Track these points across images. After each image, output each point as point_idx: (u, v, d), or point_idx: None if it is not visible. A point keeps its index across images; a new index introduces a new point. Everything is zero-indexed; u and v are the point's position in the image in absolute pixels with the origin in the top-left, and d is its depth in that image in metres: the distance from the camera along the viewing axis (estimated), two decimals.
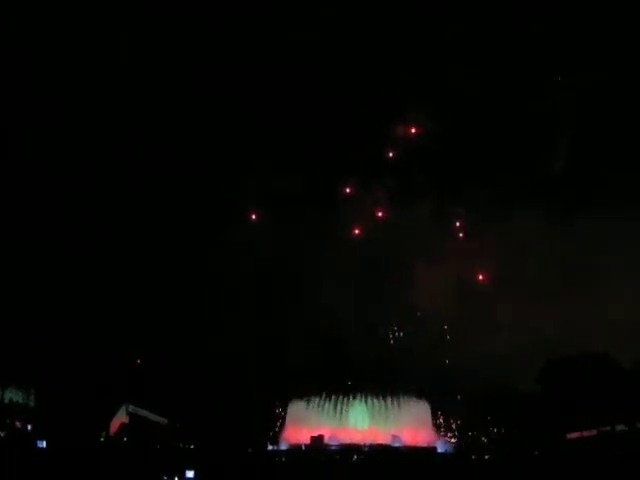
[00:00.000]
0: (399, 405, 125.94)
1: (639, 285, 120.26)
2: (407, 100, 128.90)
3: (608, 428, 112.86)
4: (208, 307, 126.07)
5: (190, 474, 72.40)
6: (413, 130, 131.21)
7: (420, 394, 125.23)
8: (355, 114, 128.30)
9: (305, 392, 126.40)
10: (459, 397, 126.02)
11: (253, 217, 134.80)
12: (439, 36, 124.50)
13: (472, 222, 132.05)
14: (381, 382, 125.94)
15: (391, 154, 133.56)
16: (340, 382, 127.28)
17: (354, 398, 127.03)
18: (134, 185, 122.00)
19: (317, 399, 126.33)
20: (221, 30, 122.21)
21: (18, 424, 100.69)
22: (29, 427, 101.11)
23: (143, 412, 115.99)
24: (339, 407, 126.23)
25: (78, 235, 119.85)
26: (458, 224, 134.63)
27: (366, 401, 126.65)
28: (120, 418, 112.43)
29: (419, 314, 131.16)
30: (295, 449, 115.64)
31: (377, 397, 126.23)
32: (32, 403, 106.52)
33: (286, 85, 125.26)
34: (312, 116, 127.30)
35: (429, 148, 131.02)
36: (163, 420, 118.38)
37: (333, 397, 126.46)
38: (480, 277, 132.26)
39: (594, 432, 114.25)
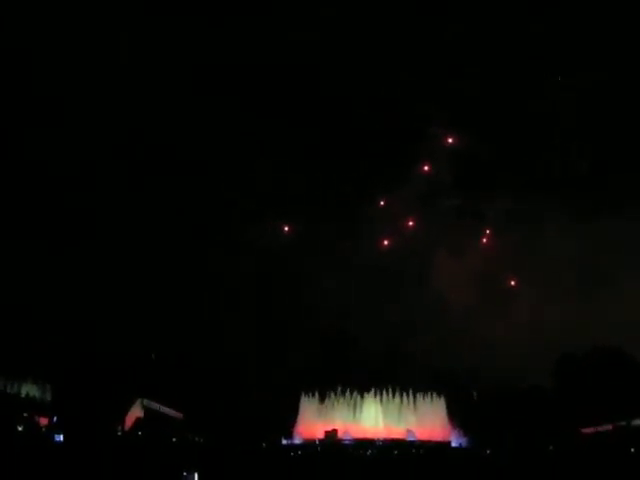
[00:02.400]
0: (414, 401, 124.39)
1: None
2: (416, 103, 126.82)
3: (624, 423, 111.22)
4: (221, 305, 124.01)
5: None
6: (450, 140, 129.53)
7: (435, 389, 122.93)
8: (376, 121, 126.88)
9: (318, 387, 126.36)
10: (474, 392, 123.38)
11: (286, 229, 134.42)
12: (439, 36, 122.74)
13: (493, 222, 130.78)
14: (394, 377, 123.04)
15: (426, 167, 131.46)
16: (353, 378, 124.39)
17: (368, 393, 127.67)
18: (143, 185, 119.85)
19: (331, 394, 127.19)
20: (221, 30, 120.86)
21: (43, 420, 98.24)
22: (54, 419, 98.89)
23: (158, 406, 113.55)
24: (353, 403, 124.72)
25: (94, 235, 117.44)
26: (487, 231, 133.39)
27: (380, 397, 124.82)
28: (135, 412, 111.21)
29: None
30: (309, 444, 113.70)
31: (391, 393, 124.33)
32: (48, 397, 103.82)
33: (297, 88, 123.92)
34: (333, 124, 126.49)
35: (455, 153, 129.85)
36: (178, 414, 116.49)
37: (347, 393, 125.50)
38: (512, 282, 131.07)
39: (609, 427, 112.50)
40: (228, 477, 76.80)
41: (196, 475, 64.71)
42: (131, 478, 70.84)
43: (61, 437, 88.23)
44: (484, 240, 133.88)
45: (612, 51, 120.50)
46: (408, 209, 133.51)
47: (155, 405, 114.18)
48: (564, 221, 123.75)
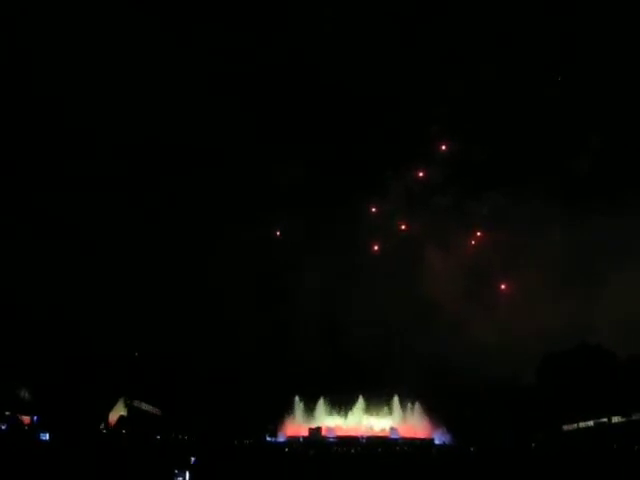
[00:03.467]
0: (400, 404, 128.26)
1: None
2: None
3: (605, 420, 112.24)
4: (209, 301, 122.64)
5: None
6: (443, 147, 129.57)
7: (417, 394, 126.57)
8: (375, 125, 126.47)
9: (306, 390, 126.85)
10: (458, 389, 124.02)
11: (278, 234, 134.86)
12: (436, 36, 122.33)
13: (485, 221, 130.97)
14: (380, 380, 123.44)
15: (421, 173, 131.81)
16: (340, 380, 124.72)
17: (354, 398, 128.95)
18: (137, 185, 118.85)
19: (319, 400, 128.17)
20: (225, 32, 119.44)
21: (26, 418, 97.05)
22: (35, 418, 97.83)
23: (141, 404, 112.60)
24: (339, 407, 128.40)
25: (81, 234, 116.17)
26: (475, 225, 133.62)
27: (365, 402, 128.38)
28: (118, 411, 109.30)
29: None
30: (293, 441, 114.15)
31: (377, 397, 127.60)
32: (27, 396, 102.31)
33: (297, 90, 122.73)
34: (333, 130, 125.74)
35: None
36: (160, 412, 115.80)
37: (334, 397, 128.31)
38: (502, 287, 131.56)
39: (590, 424, 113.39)
40: (218, 476, 76.50)
41: (187, 474, 64.27)
42: (122, 477, 70.15)
43: (47, 436, 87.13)
44: (475, 239, 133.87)
45: (611, 48, 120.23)
46: (400, 212, 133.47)
47: (139, 404, 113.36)
48: (555, 221, 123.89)
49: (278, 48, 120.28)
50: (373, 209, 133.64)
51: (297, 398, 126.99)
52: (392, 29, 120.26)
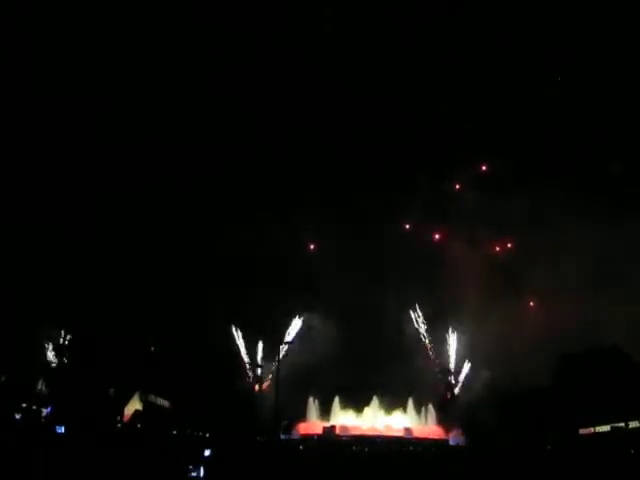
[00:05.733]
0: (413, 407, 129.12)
1: None
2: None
3: (622, 425, 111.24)
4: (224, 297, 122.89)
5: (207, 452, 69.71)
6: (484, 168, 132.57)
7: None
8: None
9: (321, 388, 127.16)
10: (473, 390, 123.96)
11: (311, 247, 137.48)
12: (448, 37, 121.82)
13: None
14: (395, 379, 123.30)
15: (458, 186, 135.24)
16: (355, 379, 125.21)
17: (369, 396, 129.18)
18: (153, 181, 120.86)
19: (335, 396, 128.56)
20: (228, 33, 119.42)
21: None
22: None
23: (156, 399, 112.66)
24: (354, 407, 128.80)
25: (97, 228, 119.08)
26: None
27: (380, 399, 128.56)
28: (134, 405, 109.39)
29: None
30: (307, 439, 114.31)
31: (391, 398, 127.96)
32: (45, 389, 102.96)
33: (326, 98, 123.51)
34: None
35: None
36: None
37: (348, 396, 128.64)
38: (531, 303, 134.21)
39: (607, 428, 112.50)
40: (232, 471, 76.26)
41: (202, 469, 64.14)
42: (137, 471, 69.88)
43: (62, 429, 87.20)
44: (500, 244, 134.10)
45: (610, 48, 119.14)
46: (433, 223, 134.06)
47: (154, 398, 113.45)
48: (579, 223, 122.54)
49: (278, 48, 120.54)
50: (407, 226, 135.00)
51: (311, 397, 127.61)
52: (392, 29, 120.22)
